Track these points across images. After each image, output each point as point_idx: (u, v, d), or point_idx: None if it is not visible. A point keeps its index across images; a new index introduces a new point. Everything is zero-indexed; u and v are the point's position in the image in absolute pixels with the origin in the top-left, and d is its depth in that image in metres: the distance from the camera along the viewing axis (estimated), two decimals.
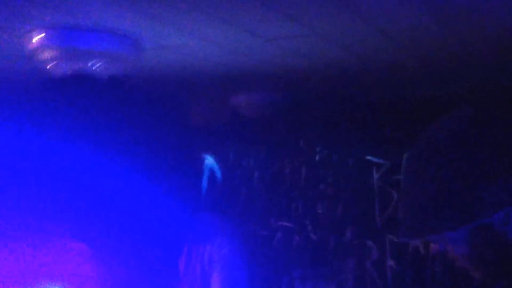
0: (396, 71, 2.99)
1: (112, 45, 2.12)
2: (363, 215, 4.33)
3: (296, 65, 2.76)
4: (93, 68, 2.16)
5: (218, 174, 4.97)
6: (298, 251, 4.32)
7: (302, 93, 3.68)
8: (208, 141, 4.66)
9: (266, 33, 2.17)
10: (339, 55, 2.55)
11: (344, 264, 4.07)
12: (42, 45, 2.04)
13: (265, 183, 4.60)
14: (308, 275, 4.15)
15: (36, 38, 2.03)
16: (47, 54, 2.06)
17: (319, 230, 4.34)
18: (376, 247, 4.16)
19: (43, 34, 2.02)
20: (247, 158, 4.65)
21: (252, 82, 3.25)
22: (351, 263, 4.08)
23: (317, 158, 4.56)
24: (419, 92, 3.73)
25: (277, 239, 4.44)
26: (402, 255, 4.08)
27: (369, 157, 4.46)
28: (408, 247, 4.10)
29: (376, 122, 4.40)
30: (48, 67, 2.12)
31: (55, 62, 2.08)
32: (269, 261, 4.41)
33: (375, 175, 4.42)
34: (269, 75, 2.99)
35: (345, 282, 4.04)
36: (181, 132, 4.51)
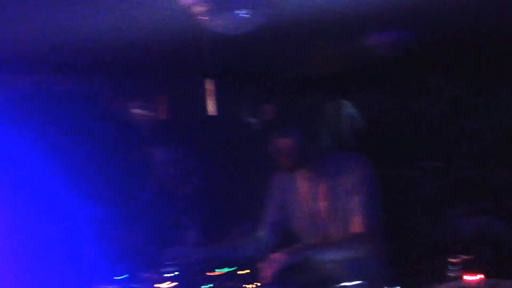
0: None
1: None
2: None
3: None
4: (241, 18, 2.19)
5: (358, 117, 4.92)
6: (454, 189, 4.20)
7: (439, 24, 3.50)
8: (344, 85, 4.61)
9: None
10: None
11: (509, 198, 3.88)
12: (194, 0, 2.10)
13: (407, 123, 4.50)
14: (469, 213, 4.01)
15: None
16: (199, 8, 2.12)
17: (471, 166, 4.18)
18: None
19: None
20: (385, 100, 4.55)
21: (389, 19, 3.11)
22: None
23: (457, 92, 4.38)
24: None
25: (429, 179, 4.34)
26: None
27: None
28: None
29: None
30: (200, 21, 2.18)
31: (207, 15, 2.14)
32: (424, 201, 4.33)
33: None
34: (411, 6, 2.86)
35: None
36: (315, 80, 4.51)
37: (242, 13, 2.16)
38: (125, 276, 2.46)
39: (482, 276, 1.88)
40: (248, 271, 2.40)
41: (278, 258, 2.20)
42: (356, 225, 2.34)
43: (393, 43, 3.57)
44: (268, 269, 2.20)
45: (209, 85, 4.30)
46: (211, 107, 4.30)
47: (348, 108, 4.65)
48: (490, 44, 4.04)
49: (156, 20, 2.69)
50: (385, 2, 2.72)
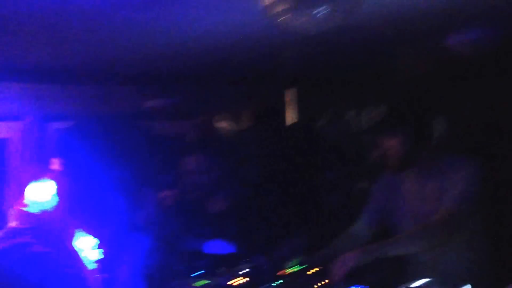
0: None
1: None
2: None
3: None
4: (318, 16, 2.21)
5: (440, 123, 4.75)
6: None
7: None
8: (426, 88, 4.48)
9: None
10: None
11: None
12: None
13: (492, 130, 4.33)
14: None
15: None
16: (280, 7, 2.16)
17: None
18: None
19: None
20: (469, 104, 4.40)
21: (476, 11, 2.99)
22: None
23: None
24: None
25: None
26: None
27: None
28: None
29: None
30: (281, 21, 2.23)
31: (287, 14, 2.17)
32: None
33: None
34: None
35: None
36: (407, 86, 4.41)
37: (322, 10, 2.18)
38: (201, 272, 2.55)
39: None
40: (318, 269, 2.41)
41: (351, 256, 2.19)
42: (447, 222, 2.30)
43: (480, 42, 3.47)
44: (339, 268, 2.20)
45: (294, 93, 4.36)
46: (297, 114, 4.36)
47: (437, 112, 4.53)
48: None
49: (233, 25, 2.76)
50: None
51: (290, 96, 4.71)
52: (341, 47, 3.53)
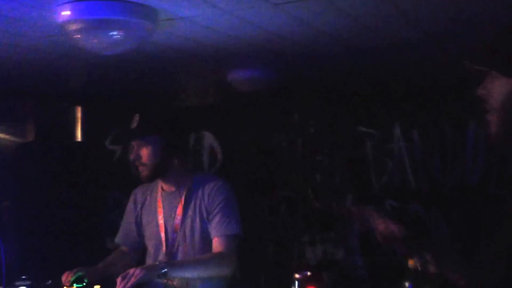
0: (400, 46, 3.08)
1: (132, 15, 2.23)
2: (360, 183, 4.49)
3: (300, 34, 2.81)
4: (114, 38, 2.27)
5: (219, 149, 5.10)
6: (304, 219, 4.48)
7: (299, 66, 3.76)
8: (207, 117, 4.79)
9: None
10: (344, 25, 2.62)
11: (349, 229, 4.23)
12: (69, 18, 2.15)
13: (264, 156, 4.73)
14: (316, 240, 4.30)
15: (64, 11, 2.14)
16: (74, 26, 2.17)
17: (320, 198, 4.49)
18: None
19: (70, 7, 2.14)
20: (245, 133, 4.77)
21: (256, 54, 3.26)
22: (356, 227, 4.23)
23: (312, 130, 4.70)
24: (412, 70, 3.82)
25: (283, 208, 4.60)
26: (402, 218, 4.26)
27: (361, 128, 4.61)
28: (408, 210, 4.29)
29: (365, 96, 4.54)
30: (74, 39, 2.24)
31: (81, 34, 2.20)
32: (278, 228, 4.58)
33: (368, 145, 4.57)
34: (273, 45, 3.04)
35: (352, 245, 4.19)
36: (179, 110, 4.63)
37: (115, 34, 2.24)
38: None
39: None
40: (99, 286, 2.41)
41: (133, 273, 2.21)
42: (215, 244, 2.45)
43: (255, 80, 3.81)
44: (122, 285, 2.21)
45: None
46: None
47: (210, 139, 4.85)
48: (346, 87, 4.43)
49: (28, 40, 2.68)
50: (251, 42, 2.93)
51: (75, 114, 4.68)
52: (127, 71, 3.60)
